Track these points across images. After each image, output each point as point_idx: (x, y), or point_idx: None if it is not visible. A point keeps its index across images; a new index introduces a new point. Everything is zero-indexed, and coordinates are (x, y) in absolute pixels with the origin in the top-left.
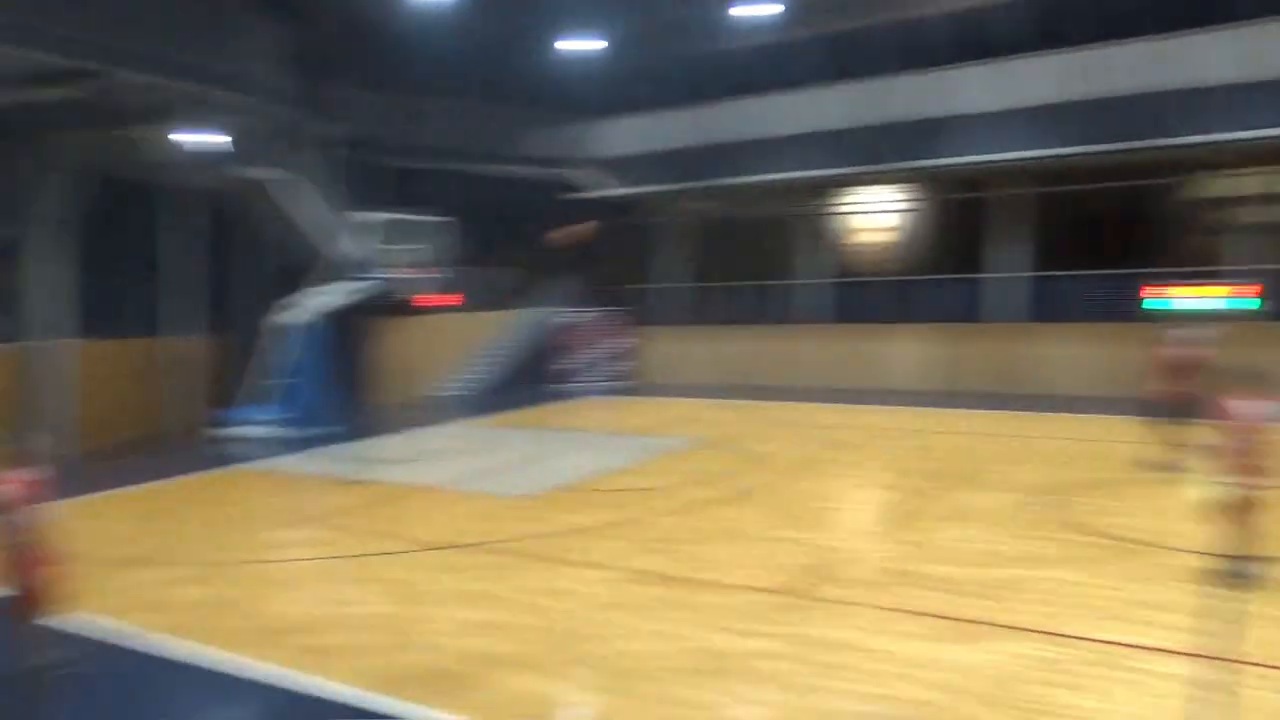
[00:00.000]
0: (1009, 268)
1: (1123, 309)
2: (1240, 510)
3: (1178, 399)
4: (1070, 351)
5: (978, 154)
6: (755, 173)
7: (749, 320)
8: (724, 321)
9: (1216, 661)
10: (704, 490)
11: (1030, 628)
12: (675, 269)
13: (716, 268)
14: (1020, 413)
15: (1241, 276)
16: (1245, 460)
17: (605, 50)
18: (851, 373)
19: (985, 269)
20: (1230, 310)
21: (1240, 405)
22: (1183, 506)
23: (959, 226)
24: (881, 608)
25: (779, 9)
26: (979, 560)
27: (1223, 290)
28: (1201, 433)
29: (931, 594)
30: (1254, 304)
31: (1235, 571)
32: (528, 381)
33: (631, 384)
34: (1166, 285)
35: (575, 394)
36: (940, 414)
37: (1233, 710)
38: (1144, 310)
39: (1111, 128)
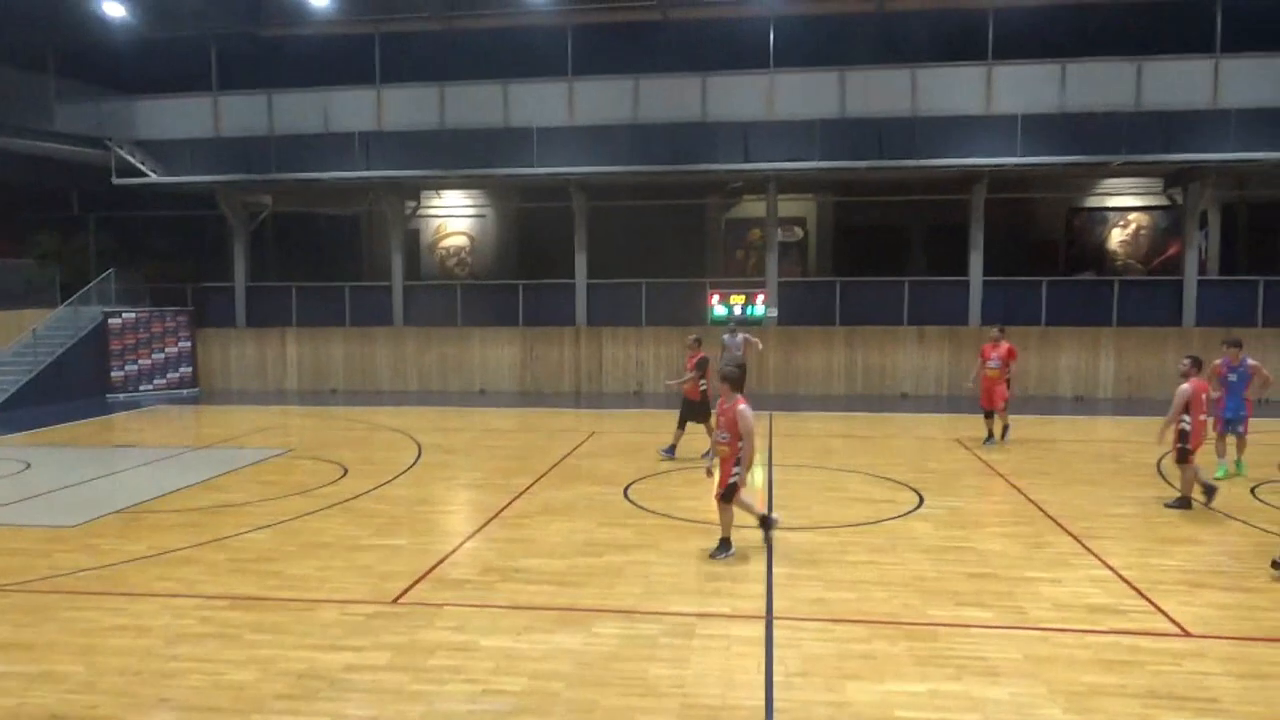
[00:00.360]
0: (592, 275)
1: (695, 315)
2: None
3: (702, 395)
4: (642, 353)
5: (551, 165)
6: (323, 169)
7: (322, 322)
8: (296, 323)
9: (771, 620)
10: (294, 502)
11: (627, 609)
12: (244, 267)
13: (287, 266)
14: (598, 410)
15: (759, 287)
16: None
17: (156, 25)
18: (434, 376)
19: (564, 275)
20: (756, 318)
21: (727, 400)
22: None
23: (535, 233)
24: (489, 606)
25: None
26: (577, 550)
27: (741, 299)
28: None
29: (536, 587)
30: (759, 312)
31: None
32: (72, 392)
33: (197, 391)
34: (727, 294)
35: (134, 404)
36: (526, 413)
37: (788, 658)
38: (715, 317)
39: (666, 151)
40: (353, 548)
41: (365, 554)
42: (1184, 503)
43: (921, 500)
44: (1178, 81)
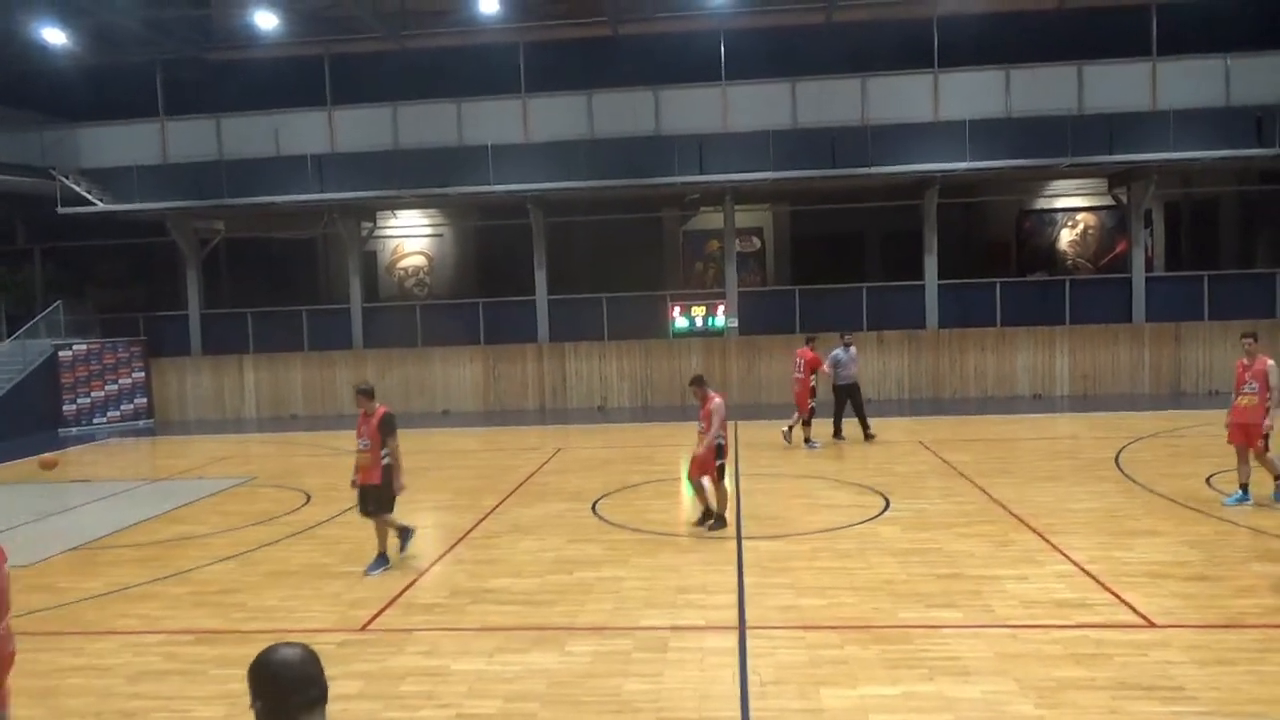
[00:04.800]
0: (553, 291)
1: (657, 327)
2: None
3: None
4: (605, 368)
5: (508, 183)
6: (276, 193)
7: (280, 347)
8: (254, 350)
9: (744, 630)
10: (257, 532)
11: (599, 625)
12: (197, 294)
13: (243, 292)
14: (563, 426)
15: (719, 298)
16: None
17: (99, 51)
18: (396, 398)
19: (524, 292)
20: (718, 328)
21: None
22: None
23: (494, 250)
24: (460, 629)
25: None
26: (547, 569)
27: (702, 310)
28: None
29: (507, 608)
30: (720, 323)
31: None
32: (23, 427)
33: (153, 422)
34: (687, 306)
35: (88, 437)
36: (491, 433)
37: (761, 668)
38: (677, 329)
39: (622, 165)
40: (319, 575)
41: (332, 582)
42: None
43: (888, 504)
44: (1118, 85)
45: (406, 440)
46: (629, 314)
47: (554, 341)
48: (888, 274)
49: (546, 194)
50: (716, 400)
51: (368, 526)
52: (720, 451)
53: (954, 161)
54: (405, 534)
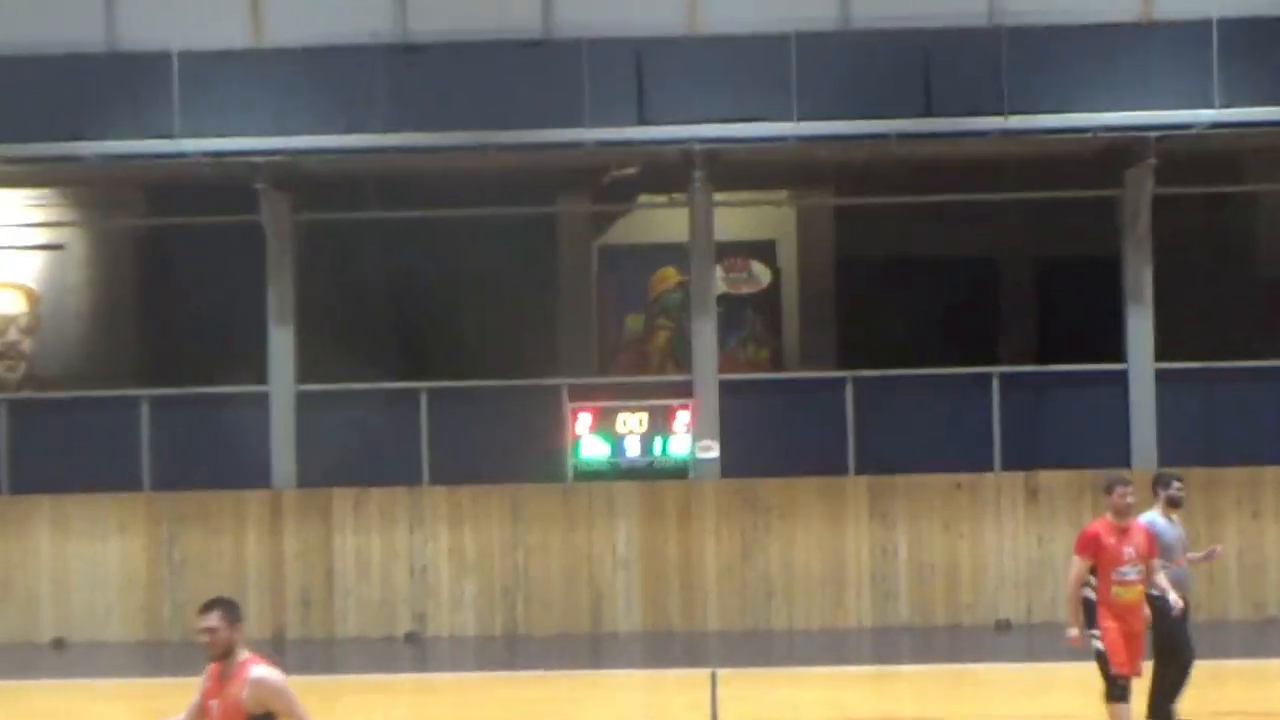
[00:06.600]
0: (308, 374)
1: (540, 458)
2: None
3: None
4: (426, 545)
5: (215, 135)
6: None
7: None
8: None
9: None
10: None
11: None
12: None
13: None
14: (316, 679)
15: (677, 395)
16: None
17: None
18: None
19: (245, 377)
20: (677, 460)
21: None
22: None
23: (181, 282)
24: None
25: None
26: None
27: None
28: None
29: None
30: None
31: None
32: None
33: None
34: (605, 410)
35: None
36: (157, 693)
37: None
38: (584, 461)
39: (466, 106)
40: None
41: None
42: None
43: None
44: None
45: None
46: (479, 427)
47: (307, 486)
48: (1045, 344)
49: (296, 160)
50: (263, 675)
51: None
52: None
53: (1189, 108)
54: None
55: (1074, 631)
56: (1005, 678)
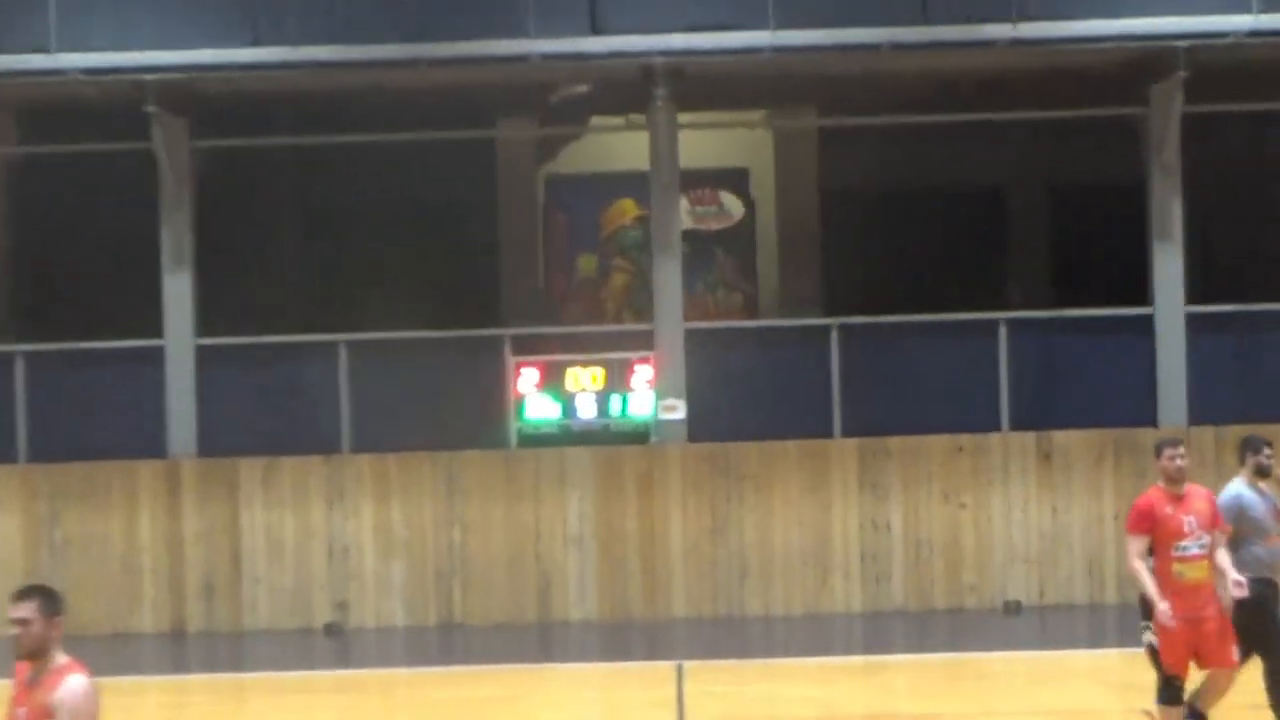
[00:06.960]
0: (210, 327)
1: (478, 421)
2: None
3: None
4: (348, 521)
5: (95, 48)
6: None
7: None
8: None
9: None
10: None
11: None
12: None
13: None
14: (212, 678)
15: (637, 347)
16: None
17: None
18: None
19: (137, 329)
20: (639, 422)
21: None
22: None
23: (60, 221)
24: None
25: None
26: None
27: (596, 379)
28: None
29: None
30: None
31: None
32: None
33: None
34: (553, 365)
35: None
36: None
37: None
38: (529, 423)
39: (390, 14)
40: None
41: None
42: None
43: None
44: None
45: None
46: (408, 385)
47: (208, 455)
48: (1059, 286)
49: (194, 79)
50: (75, 692)
51: None
52: None
53: (1224, 14)
54: None
55: (1163, 606)
56: (1014, 667)
